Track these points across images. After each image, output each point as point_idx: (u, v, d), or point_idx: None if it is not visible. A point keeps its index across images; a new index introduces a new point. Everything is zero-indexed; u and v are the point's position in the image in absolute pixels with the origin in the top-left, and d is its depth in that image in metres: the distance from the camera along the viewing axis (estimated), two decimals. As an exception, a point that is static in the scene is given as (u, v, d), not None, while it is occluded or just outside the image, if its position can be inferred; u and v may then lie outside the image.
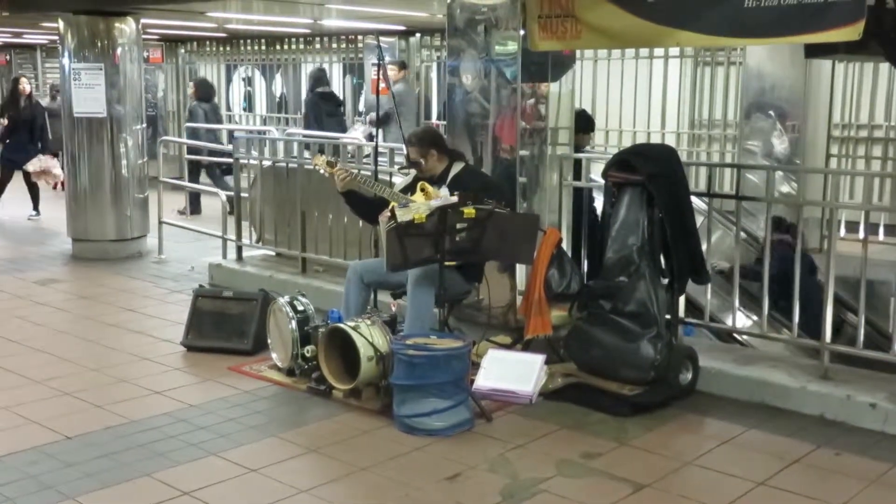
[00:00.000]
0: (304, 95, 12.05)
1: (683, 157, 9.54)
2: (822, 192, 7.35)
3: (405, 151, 5.73)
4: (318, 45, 14.82)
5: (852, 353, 5.17)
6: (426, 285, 5.20)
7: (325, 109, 12.08)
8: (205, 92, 12.47)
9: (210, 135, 12.02)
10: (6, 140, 11.79)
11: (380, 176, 6.20)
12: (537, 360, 5.18)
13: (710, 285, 5.59)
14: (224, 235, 8.37)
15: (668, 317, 5.22)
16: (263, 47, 15.49)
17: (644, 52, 11.01)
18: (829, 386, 4.93)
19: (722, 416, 4.92)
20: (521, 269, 5.91)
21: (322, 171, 5.69)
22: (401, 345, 4.76)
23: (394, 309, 5.63)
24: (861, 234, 5.20)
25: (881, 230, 8.97)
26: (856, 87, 10.29)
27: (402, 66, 11.71)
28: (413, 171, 5.66)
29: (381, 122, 10.77)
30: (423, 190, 5.40)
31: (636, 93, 11.25)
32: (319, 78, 12.23)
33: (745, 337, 6.51)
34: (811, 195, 7.48)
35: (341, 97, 14.62)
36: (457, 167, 5.56)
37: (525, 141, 5.95)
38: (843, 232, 8.37)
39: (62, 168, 10.68)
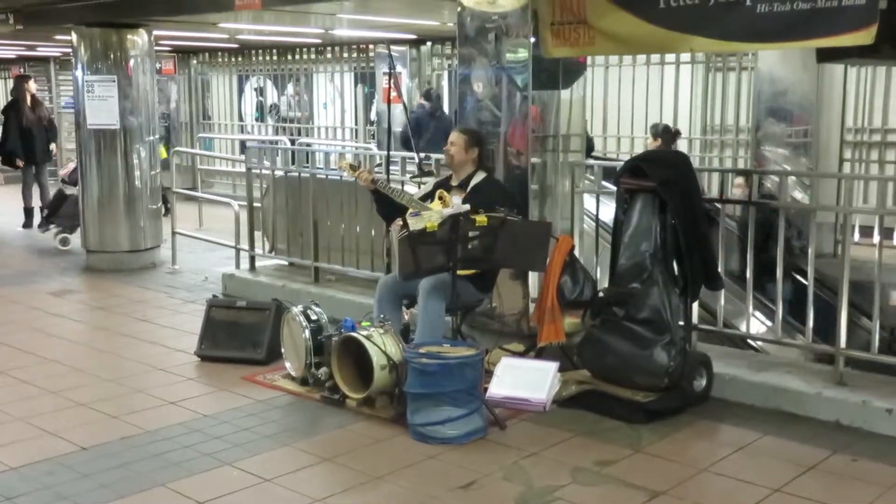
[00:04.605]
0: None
1: (696, 163, 9.55)
2: (835, 197, 7.33)
3: (416, 159, 5.76)
4: (329, 55, 14.87)
5: (867, 359, 5.14)
6: (437, 295, 5.21)
7: None
8: None
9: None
10: None
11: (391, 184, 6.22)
12: (551, 367, 5.17)
13: (723, 291, 5.57)
14: (237, 245, 8.40)
15: (681, 323, 5.21)
16: (275, 57, 15.55)
17: (655, 57, 11.01)
18: (845, 391, 4.91)
19: (737, 422, 4.90)
20: (533, 277, 5.90)
21: (345, 174, 5.77)
22: (414, 353, 4.76)
23: (406, 318, 5.64)
24: (875, 239, 5.18)
25: (896, 234, 8.94)
26: (869, 91, 10.26)
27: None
28: (433, 179, 5.70)
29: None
30: (441, 198, 5.42)
31: (648, 99, 11.24)
32: None
33: (759, 343, 6.48)
34: (824, 200, 7.45)
35: (353, 107, 14.72)
36: (479, 176, 5.59)
37: (536, 148, 5.95)
38: (857, 237, 8.35)
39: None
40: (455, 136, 5.64)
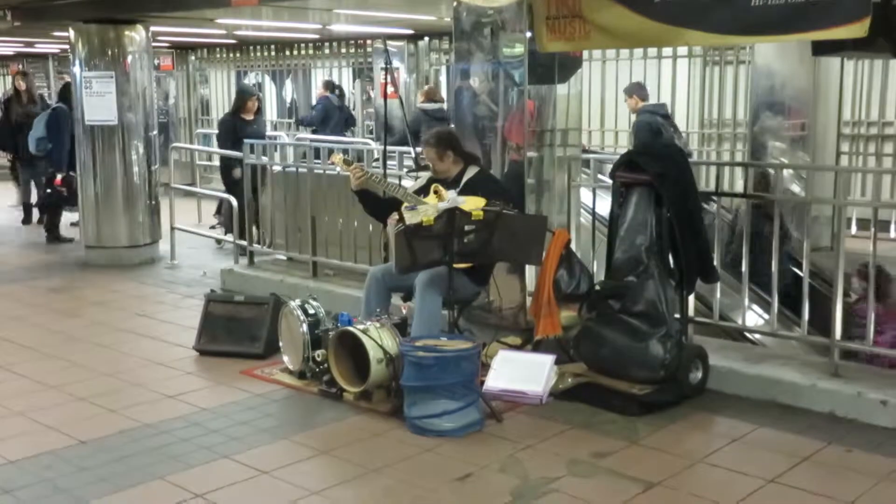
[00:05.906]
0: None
1: (693, 157, 9.55)
2: (832, 190, 7.34)
3: (413, 154, 5.77)
4: (326, 51, 14.87)
5: (863, 350, 5.16)
6: (434, 289, 5.23)
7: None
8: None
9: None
10: None
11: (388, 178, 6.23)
12: (547, 360, 5.19)
13: (719, 284, 5.59)
14: (235, 240, 8.42)
15: (677, 316, 5.23)
16: (273, 53, 15.54)
17: (652, 52, 11.01)
18: (840, 383, 4.93)
19: (732, 414, 4.92)
20: (530, 271, 5.92)
21: (339, 170, 5.85)
22: (410, 346, 4.78)
23: (404, 311, 5.66)
24: (871, 231, 5.20)
25: (892, 227, 8.95)
26: (866, 84, 10.27)
27: None
28: (427, 174, 5.70)
29: None
30: (436, 192, 5.44)
31: (645, 93, 11.23)
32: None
33: (756, 335, 6.50)
34: (821, 193, 7.46)
35: (351, 102, 14.69)
36: (471, 171, 5.59)
37: (533, 142, 5.97)
38: (854, 229, 8.37)
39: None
40: (425, 151, 5.65)
